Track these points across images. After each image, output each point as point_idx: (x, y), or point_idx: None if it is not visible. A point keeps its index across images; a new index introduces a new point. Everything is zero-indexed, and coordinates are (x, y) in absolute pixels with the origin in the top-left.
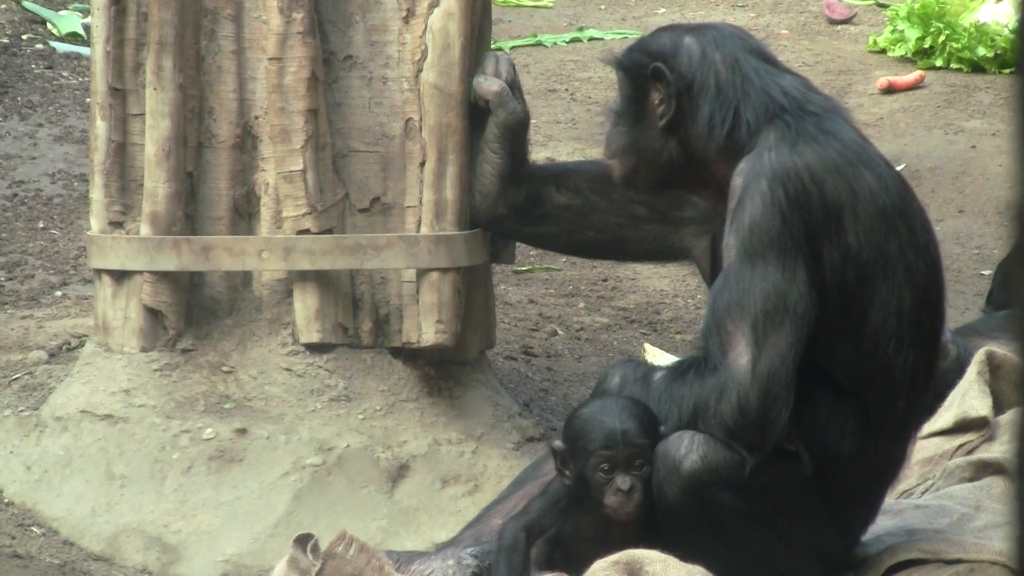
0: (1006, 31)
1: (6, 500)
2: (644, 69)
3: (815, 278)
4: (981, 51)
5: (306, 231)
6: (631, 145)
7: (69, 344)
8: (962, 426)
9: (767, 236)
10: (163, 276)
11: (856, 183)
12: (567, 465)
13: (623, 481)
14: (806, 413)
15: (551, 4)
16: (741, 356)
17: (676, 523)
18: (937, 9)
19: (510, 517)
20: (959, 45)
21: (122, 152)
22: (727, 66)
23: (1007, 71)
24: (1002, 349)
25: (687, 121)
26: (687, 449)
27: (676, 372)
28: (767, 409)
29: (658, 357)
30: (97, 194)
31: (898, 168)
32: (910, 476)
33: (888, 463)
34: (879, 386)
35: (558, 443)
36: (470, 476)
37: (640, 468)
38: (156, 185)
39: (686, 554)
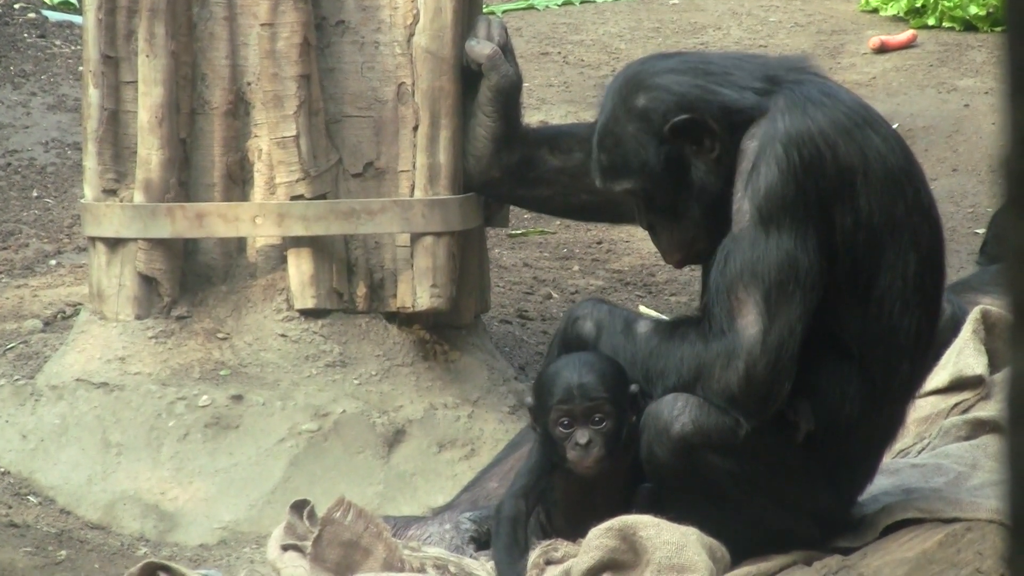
0: None
1: (2, 469)
2: (667, 139)
3: (826, 244)
4: (973, 9)
5: (300, 197)
6: (705, 214)
7: (64, 312)
8: (958, 385)
9: (782, 202)
10: (157, 243)
11: (866, 145)
12: (537, 422)
13: (581, 435)
14: (808, 377)
15: None
16: (752, 325)
17: (667, 485)
18: None
19: (505, 489)
20: (951, 4)
21: (115, 120)
22: (695, 73)
23: (999, 29)
24: (996, 306)
25: (731, 127)
26: (678, 412)
27: (672, 329)
28: (773, 381)
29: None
30: (90, 162)
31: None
32: (906, 435)
33: (888, 425)
34: (884, 349)
35: (530, 400)
36: (466, 440)
37: (600, 422)
38: (149, 152)
39: (679, 515)
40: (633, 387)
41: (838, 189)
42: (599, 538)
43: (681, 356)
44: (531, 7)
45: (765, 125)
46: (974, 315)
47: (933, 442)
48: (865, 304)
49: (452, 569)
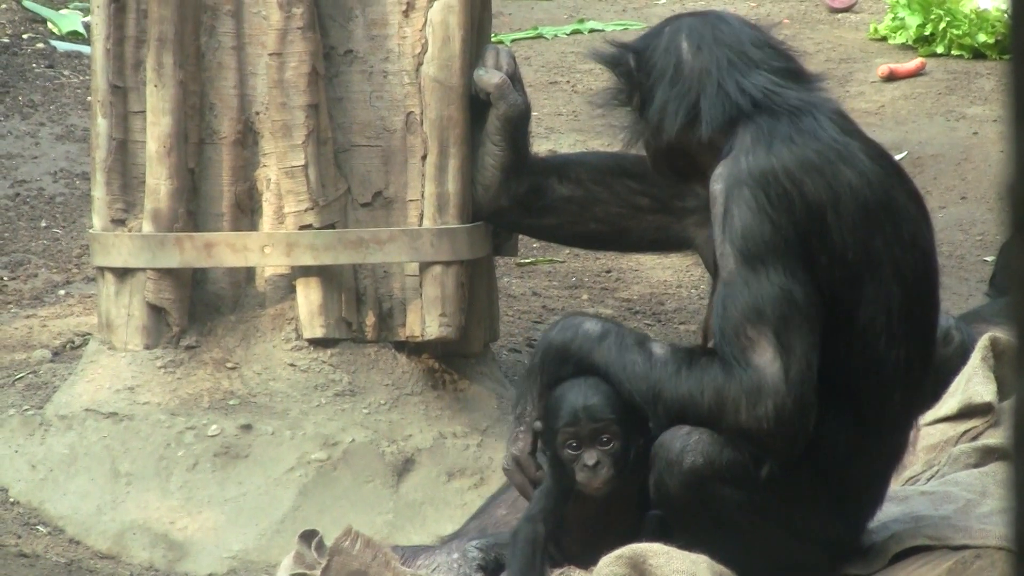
0: (1006, 17)
1: (12, 499)
2: (616, 58)
3: (811, 276)
4: (982, 37)
5: (308, 226)
6: (631, 133)
7: (73, 343)
8: (967, 412)
9: (762, 241)
10: (166, 273)
11: (835, 181)
12: (547, 445)
13: (589, 457)
14: None
15: None
16: (771, 363)
17: (677, 515)
18: None
19: (522, 514)
20: (960, 32)
21: (123, 150)
22: (693, 56)
23: (1007, 57)
24: (1006, 335)
25: (647, 110)
26: (691, 445)
27: (691, 359)
28: (802, 416)
29: None
30: (99, 192)
31: (899, 156)
32: (915, 463)
33: (889, 453)
34: (871, 382)
35: (538, 424)
36: (476, 469)
37: (607, 443)
38: (158, 182)
39: (689, 543)
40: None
41: (809, 225)
42: (609, 566)
43: (702, 389)
44: (540, 36)
45: (729, 165)
46: (983, 342)
47: (942, 469)
48: (848, 338)
49: None
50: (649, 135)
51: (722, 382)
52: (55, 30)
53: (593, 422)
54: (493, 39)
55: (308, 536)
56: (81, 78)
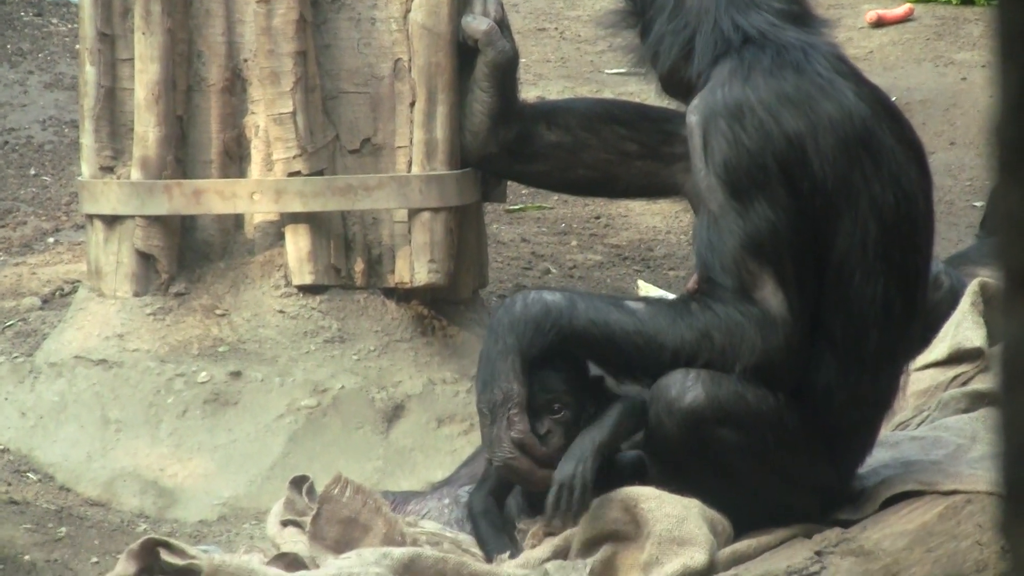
0: None
1: (2, 447)
2: None
3: (794, 206)
4: None
5: (297, 173)
6: (635, 56)
7: (62, 290)
8: (957, 357)
9: (746, 173)
10: (155, 220)
11: (814, 113)
12: None
13: (540, 426)
14: None
15: None
16: (774, 295)
17: (671, 458)
18: None
19: (473, 489)
20: None
21: (112, 97)
22: None
23: (995, 1)
24: (995, 278)
25: (645, 40)
26: (690, 384)
27: (682, 305)
28: (804, 345)
29: (652, 293)
30: (87, 139)
31: None
32: (905, 408)
33: (875, 395)
34: (845, 316)
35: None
36: (465, 415)
37: (558, 412)
38: (146, 129)
39: (680, 489)
40: (595, 375)
41: (789, 154)
42: (601, 508)
43: (708, 330)
44: None
45: (705, 97)
46: (972, 287)
47: (932, 415)
48: (822, 270)
49: (447, 545)
50: (648, 63)
51: (733, 320)
52: None
53: (545, 393)
54: None
55: (298, 482)
56: (69, 26)
